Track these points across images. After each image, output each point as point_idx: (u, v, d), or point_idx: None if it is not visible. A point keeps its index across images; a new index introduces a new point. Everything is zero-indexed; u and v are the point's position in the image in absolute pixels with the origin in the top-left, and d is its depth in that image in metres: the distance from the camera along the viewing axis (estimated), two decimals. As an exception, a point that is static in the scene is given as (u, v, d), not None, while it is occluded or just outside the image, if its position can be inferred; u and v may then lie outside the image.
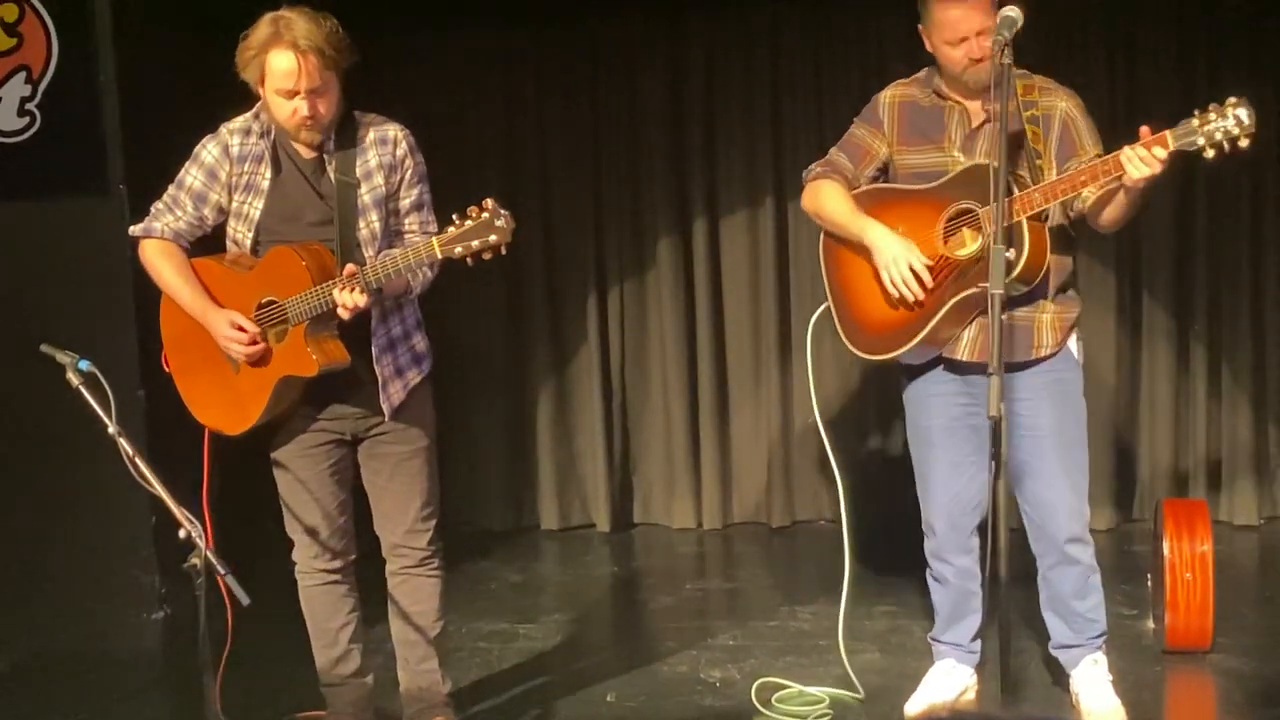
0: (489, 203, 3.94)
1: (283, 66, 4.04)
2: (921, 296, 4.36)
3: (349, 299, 4.04)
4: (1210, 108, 3.96)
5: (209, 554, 3.47)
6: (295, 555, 4.45)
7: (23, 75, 5.47)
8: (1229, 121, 3.93)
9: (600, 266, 6.98)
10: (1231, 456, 6.66)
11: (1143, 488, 6.78)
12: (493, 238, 3.93)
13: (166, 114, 5.77)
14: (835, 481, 4.88)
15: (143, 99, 5.56)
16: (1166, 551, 5.01)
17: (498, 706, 4.97)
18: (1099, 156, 4.30)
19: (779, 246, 6.86)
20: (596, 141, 6.93)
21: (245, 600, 3.50)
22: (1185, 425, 6.72)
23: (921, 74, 4.57)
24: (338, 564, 4.44)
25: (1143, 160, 4.02)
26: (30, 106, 5.48)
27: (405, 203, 4.30)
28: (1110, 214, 4.30)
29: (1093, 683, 4.62)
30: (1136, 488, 6.79)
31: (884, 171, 4.61)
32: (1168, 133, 4.01)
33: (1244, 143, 3.95)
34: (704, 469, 7.02)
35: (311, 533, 4.39)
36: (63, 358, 3.75)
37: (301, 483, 4.36)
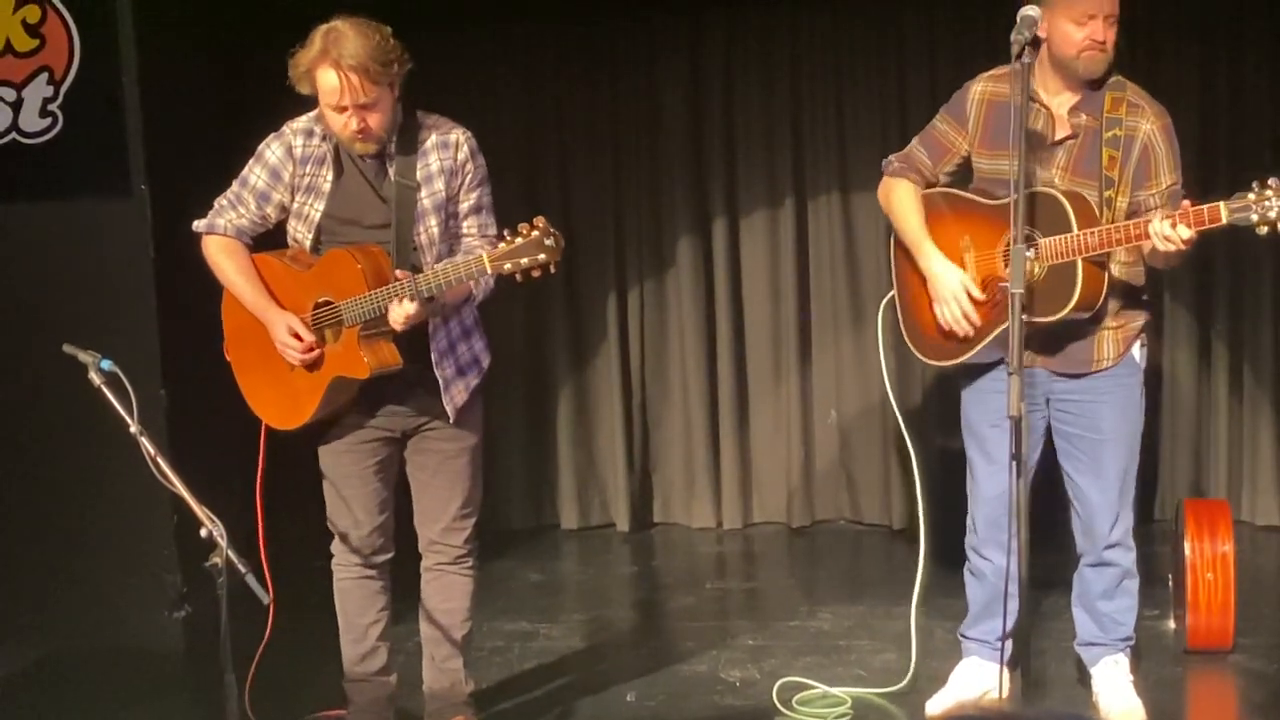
0: (540, 221, 3.95)
1: (329, 84, 4.07)
2: (970, 333, 4.39)
3: (400, 312, 4.06)
4: (1270, 183, 3.88)
5: (230, 552, 3.48)
6: (334, 548, 4.49)
7: (45, 76, 5.49)
8: None
9: (620, 266, 6.98)
10: (1253, 456, 6.63)
11: (1164, 487, 6.75)
12: (541, 256, 3.94)
13: (188, 115, 5.79)
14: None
15: (165, 100, 5.58)
16: (1187, 551, 5.00)
17: (518, 706, 4.98)
18: (1171, 187, 4.30)
19: (799, 246, 6.85)
20: (616, 142, 6.92)
21: (266, 599, 3.52)
22: (1207, 424, 6.70)
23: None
24: (374, 560, 4.48)
25: (1166, 238, 4.00)
26: (53, 108, 5.50)
27: (464, 206, 4.32)
28: (1155, 261, 4.30)
29: (1112, 682, 4.62)
30: (1158, 487, 6.76)
31: (967, 163, 4.54)
32: (1221, 205, 3.94)
33: None
34: (724, 469, 7.01)
35: (351, 527, 4.43)
36: (85, 357, 3.76)
37: (346, 477, 4.40)
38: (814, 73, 6.75)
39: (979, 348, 4.43)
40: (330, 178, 4.25)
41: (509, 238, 3.96)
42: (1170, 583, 5.34)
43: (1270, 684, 4.90)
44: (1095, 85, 4.34)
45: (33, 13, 5.48)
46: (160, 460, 3.61)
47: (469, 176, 4.31)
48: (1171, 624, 5.32)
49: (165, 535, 5.53)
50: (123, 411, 3.64)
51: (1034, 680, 4.66)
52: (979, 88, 4.50)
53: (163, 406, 5.40)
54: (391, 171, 4.23)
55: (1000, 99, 4.42)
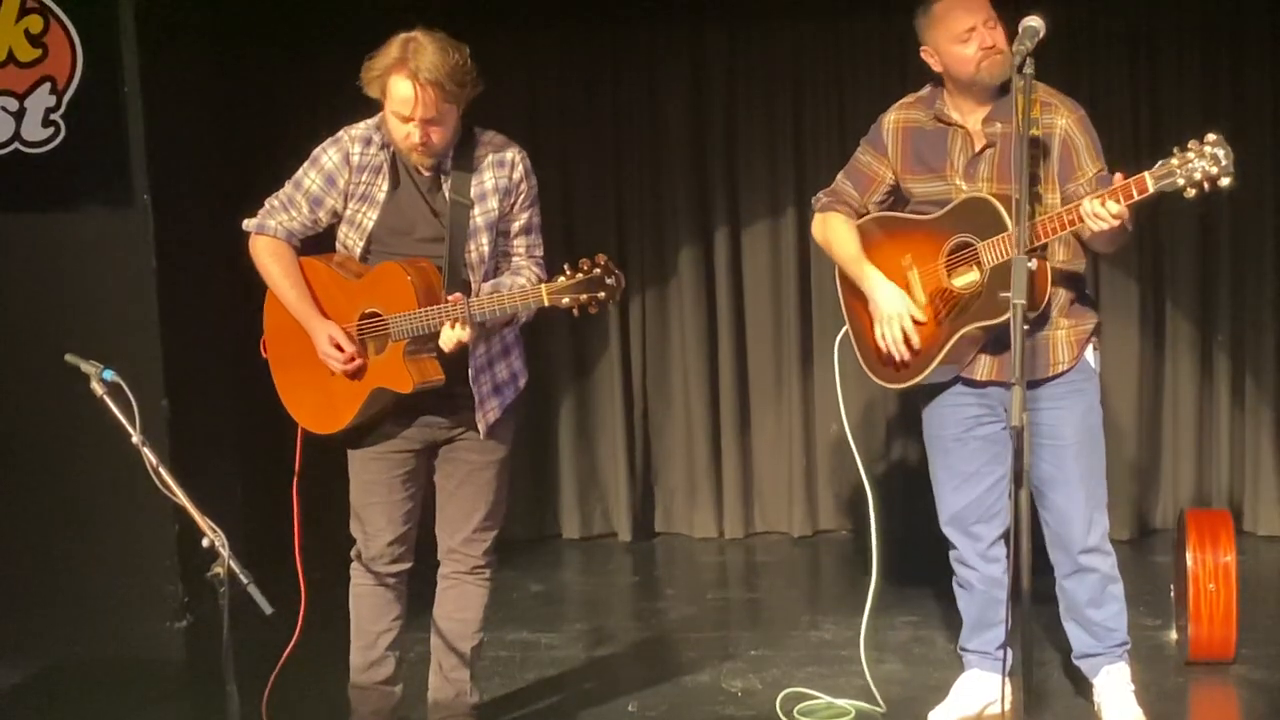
0: (601, 258, 3.99)
1: (401, 93, 4.08)
2: (908, 358, 4.44)
3: (451, 336, 4.09)
4: (1189, 146, 3.93)
5: (231, 562, 3.48)
6: (353, 553, 4.51)
7: (47, 86, 5.50)
8: (1206, 161, 3.91)
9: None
10: (1255, 466, 6.63)
11: (1165, 497, 6.75)
12: (601, 294, 3.98)
13: (191, 125, 5.81)
14: (864, 491, 4.88)
15: (167, 109, 5.59)
16: (1189, 562, 4.99)
17: (520, 717, 4.98)
18: (1098, 174, 4.33)
19: (801, 255, 6.85)
20: (618, 150, 6.92)
21: (268, 609, 3.50)
22: (1209, 435, 6.69)
23: (925, 92, 4.56)
24: (393, 569, 4.49)
25: (1097, 216, 4.05)
26: (55, 117, 5.50)
27: (516, 225, 4.35)
28: (1097, 245, 4.38)
29: (1114, 692, 4.62)
30: (1159, 497, 6.76)
31: (895, 190, 4.61)
32: (1146, 175, 4.00)
33: (1224, 182, 3.92)
34: (725, 478, 7.01)
35: (373, 535, 4.44)
36: (87, 367, 3.76)
37: (373, 484, 4.41)
38: (816, 81, 6.76)
39: (933, 366, 4.47)
40: (386, 188, 4.26)
41: (569, 272, 4.00)
42: (1172, 593, 5.34)
43: (1273, 695, 4.90)
44: (1004, 91, 4.40)
45: (35, 22, 5.49)
46: (162, 470, 3.61)
47: (522, 196, 4.33)
48: (1173, 635, 5.32)
49: (167, 545, 5.54)
50: (125, 421, 3.64)
51: (1035, 691, 4.66)
52: (892, 117, 4.59)
53: (165, 416, 5.41)
54: (446, 187, 4.25)
55: (914, 124, 4.54)
